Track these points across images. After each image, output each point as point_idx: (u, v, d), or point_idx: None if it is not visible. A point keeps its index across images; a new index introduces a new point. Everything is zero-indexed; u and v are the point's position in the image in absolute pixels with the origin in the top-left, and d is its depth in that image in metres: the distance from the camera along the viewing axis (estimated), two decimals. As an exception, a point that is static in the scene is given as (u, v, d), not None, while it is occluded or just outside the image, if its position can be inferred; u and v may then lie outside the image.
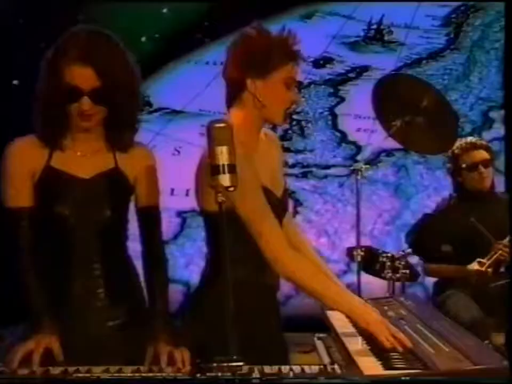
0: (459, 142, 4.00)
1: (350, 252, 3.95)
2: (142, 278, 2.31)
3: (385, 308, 2.61)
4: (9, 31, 5.08)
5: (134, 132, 2.27)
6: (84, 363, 1.96)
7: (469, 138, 4.10)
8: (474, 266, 3.73)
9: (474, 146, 3.98)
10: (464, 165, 3.95)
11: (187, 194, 5.15)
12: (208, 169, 1.86)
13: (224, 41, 5.42)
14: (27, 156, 2.18)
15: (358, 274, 3.70)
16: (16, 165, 2.18)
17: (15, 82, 5.21)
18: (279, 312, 2.49)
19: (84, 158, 2.22)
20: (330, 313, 2.54)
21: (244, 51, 2.33)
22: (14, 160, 2.19)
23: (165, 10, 5.34)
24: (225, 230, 1.80)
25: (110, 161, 2.24)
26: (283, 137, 5.44)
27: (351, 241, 4.26)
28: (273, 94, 2.33)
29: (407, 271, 3.76)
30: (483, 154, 3.96)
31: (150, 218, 2.29)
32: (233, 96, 2.39)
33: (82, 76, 2.11)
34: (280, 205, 2.43)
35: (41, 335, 2.07)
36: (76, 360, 2.03)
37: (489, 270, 3.71)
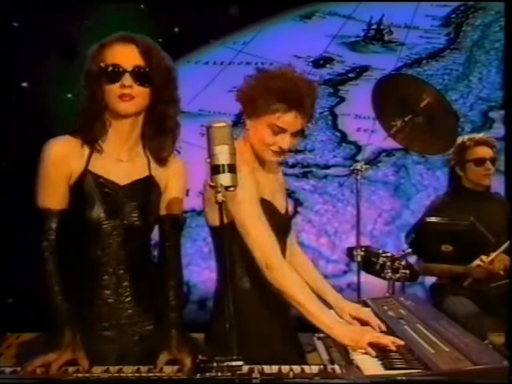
0: (470, 136, 4.02)
1: (350, 251, 3.95)
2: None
3: (385, 307, 2.61)
4: (17, 33, 5.09)
5: (174, 140, 2.28)
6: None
7: (481, 134, 4.12)
8: (475, 262, 3.73)
9: (485, 143, 3.99)
10: (472, 158, 3.95)
11: (187, 194, 5.13)
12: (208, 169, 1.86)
13: (225, 41, 5.46)
14: (66, 158, 2.16)
15: (358, 274, 3.69)
16: (54, 167, 2.15)
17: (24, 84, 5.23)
18: (290, 315, 2.51)
19: (120, 163, 2.21)
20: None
21: (243, 89, 2.42)
22: (53, 162, 2.15)
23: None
24: (225, 230, 1.80)
25: (145, 168, 2.24)
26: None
27: (351, 241, 4.26)
28: (256, 135, 2.41)
29: (407, 271, 3.75)
30: (492, 152, 3.98)
31: (172, 226, 2.30)
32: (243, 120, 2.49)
33: (125, 53, 2.13)
34: (283, 220, 2.49)
35: (63, 348, 2.05)
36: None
37: (491, 266, 3.71)
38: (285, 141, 2.38)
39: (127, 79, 2.11)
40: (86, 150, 2.18)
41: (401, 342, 2.11)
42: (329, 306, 2.52)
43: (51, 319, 2.13)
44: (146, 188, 2.24)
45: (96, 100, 2.15)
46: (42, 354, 2.02)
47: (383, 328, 2.33)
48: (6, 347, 4.65)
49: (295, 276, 2.29)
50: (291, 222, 2.64)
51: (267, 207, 2.38)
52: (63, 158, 2.16)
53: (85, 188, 2.17)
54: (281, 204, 2.52)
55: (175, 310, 2.22)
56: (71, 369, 1.99)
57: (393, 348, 2.08)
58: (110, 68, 2.12)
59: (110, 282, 2.19)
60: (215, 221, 2.38)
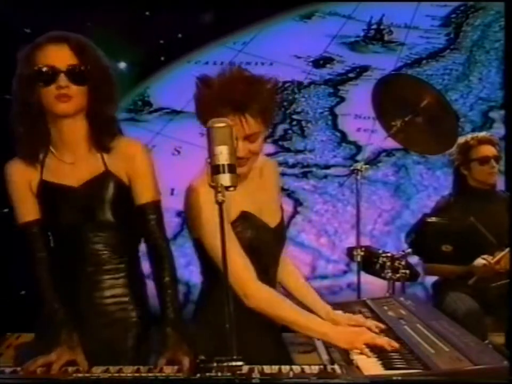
0: (473, 135, 4.02)
1: (350, 251, 3.95)
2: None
3: (385, 307, 2.61)
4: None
5: (113, 129, 2.22)
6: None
7: (483, 133, 4.12)
8: (480, 261, 3.73)
9: (489, 141, 4.00)
10: (476, 157, 3.95)
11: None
12: (208, 170, 1.85)
13: (225, 41, 5.45)
14: (21, 174, 2.19)
15: (358, 274, 3.69)
16: (14, 185, 2.20)
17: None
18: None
19: (71, 166, 2.20)
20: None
21: (198, 95, 2.29)
22: (12, 180, 2.20)
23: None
24: (224, 230, 1.80)
25: (99, 164, 2.20)
26: (283, 137, 5.44)
27: (351, 241, 4.26)
28: None
29: (407, 271, 3.75)
30: (496, 151, 3.98)
31: (148, 216, 2.22)
32: None
33: (58, 54, 2.10)
34: (271, 234, 2.38)
35: (62, 348, 2.06)
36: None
37: (497, 266, 3.71)
38: (237, 147, 2.06)
39: (62, 80, 2.09)
40: (37, 162, 2.19)
41: (396, 344, 2.10)
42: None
43: (47, 320, 2.14)
44: (105, 184, 2.19)
45: (31, 105, 2.12)
46: (42, 355, 2.03)
47: (382, 326, 2.32)
48: (6, 347, 4.65)
49: (275, 297, 2.24)
50: (285, 235, 2.51)
51: (248, 218, 2.29)
52: (17, 174, 2.19)
53: (45, 197, 2.18)
54: (271, 217, 2.40)
55: (170, 307, 2.18)
56: (71, 369, 2.00)
57: (389, 349, 2.08)
58: (44, 70, 2.09)
59: (95, 282, 2.20)
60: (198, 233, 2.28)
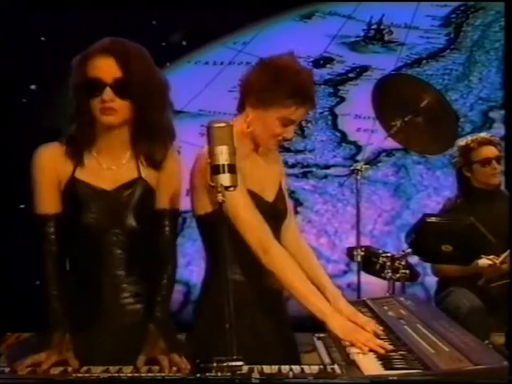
0: (473, 136, 4.02)
1: (350, 251, 3.95)
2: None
3: (385, 307, 2.61)
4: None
5: (164, 146, 2.23)
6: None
7: (483, 134, 4.12)
8: (485, 262, 3.73)
9: (489, 142, 3.99)
10: (477, 159, 3.95)
11: (187, 194, 5.14)
12: (208, 170, 1.86)
13: (225, 41, 5.45)
14: (53, 165, 2.18)
15: (358, 274, 3.69)
16: (42, 174, 2.19)
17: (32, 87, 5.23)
18: (287, 312, 2.50)
19: (107, 171, 2.21)
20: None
21: (256, 77, 2.37)
22: (41, 169, 2.19)
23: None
24: (224, 230, 1.80)
25: (133, 171, 2.22)
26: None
27: (351, 241, 4.26)
28: (264, 126, 2.38)
29: (407, 271, 3.75)
30: (497, 151, 3.98)
31: (164, 221, 2.25)
32: (238, 106, 2.45)
33: (104, 66, 2.11)
34: (271, 209, 2.43)
35: (53, 349, 2.06)
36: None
37: (503, 266, 3.71)
38: (291, 131, 2.41)
39: (107, 94, 2.10)
40: (73, 158, 2.19)
41: (389, 347, 2.10)
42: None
43: (44, 319, 2.14)
44: (136, 190, 2.21)
45: (83, 111, 2.15)
46: (32, 354, 2.03)
47: (379, 332, 2.31)
48: (6, 347, 4.65)
49: (291, 261, 2.29)
50: (284, 210, 2.55)
51: (251, 197, 2.34)
52: (49, 164, 2.19)
53: (74, 194, 2.18)
54: (270, 193, 2.48)
55: (159, 306, 2.19)
56: (71, 369, 2.00)
57: (382, 352, 2.08)
58: (91, 82, 2.11)
59: (109, 285, 2.19)
60: (203, 208, 2.34)
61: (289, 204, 2.65)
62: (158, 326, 2.15)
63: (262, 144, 2.43)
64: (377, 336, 2.24)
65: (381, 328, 2.33)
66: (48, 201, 2.19)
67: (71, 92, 2.17)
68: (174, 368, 2.00)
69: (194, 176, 2.36)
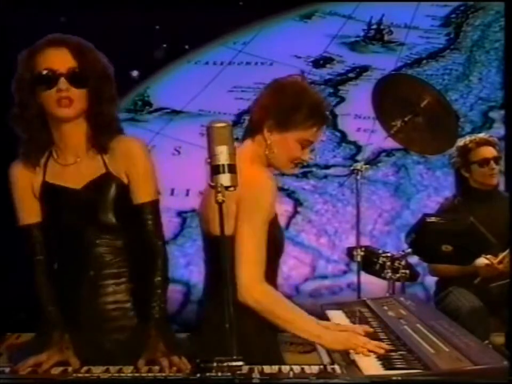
0: (471, 137, 4.02)
1: (350, 251, 3.95)
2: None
3: (385, 307, 2.61)
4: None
5: (112, 129, 2.21)
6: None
7: (481, 134, 4.12)
8: (483, 261, 3.73)
9: (487, 142, 3.99)
10: (475, 160, 3.95)
11: (187, 194, 5.14)
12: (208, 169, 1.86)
13: (225, 41, 5.45)
14: (24, 176, 2.20)
15: (358, 274, 3.69)
16: (16, 187, 2.21)
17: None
18: None
19: (73, 167, 2.19)
20: (330, 313, 2.54)
21: (273, 100, 2.35)
22: (14, 182, 2.22)
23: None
24: (224, 230, 1.80)
25: (100, 165, 2.20)
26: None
27: (351, 241, 4.26)
28: (284, 149, 2.35)
29: (407, 271, 3.75)
30: (495, 151, 3.98)
31: (145, 215, 2.20)
32: (250, 131, 2.41)
33: (57, 57, 2.10)
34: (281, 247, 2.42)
35: (53, 349, 2.07)
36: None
37: (500, 265, 3.71)
38: (308, 153, 2.39)
39: (63, 83, 2.08)
40: (42, 162, 2.19)
41: (387, 347, 2.11)
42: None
43: (41, 321, 2.16)
44: (105, 185, 2.19)
45: (32, 108, 2.12)
46: (33, 355, 2.04)
47: (370, 330, 2.31)
48: (6, 347, 4.65)
49: (276, 296, 2.25)
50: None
51: (275, 222, 2.32)
52: (21, 177, 2.20)
53: (47, 199, 2.19)
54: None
55: (156, 306, 2.16)
56: (71, 369, 2.00)
57: (380, 352, 2.08)
58: (44, 73, 2.09)
59: (94, 284, 2.19)
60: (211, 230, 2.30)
61: None
62: (158, 328, 2.13)
63: (280, 168, 2.40)
64: (371, 336, 2.24)
65: (372, 327, 2.33)
66: (27, 212, 2.21)
67: (16, 89, 2.14)
68: (174, 368, 2.00)
69: (206, 199, 2.32)
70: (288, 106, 2.32)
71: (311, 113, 2.32)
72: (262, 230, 2.22)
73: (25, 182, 2.20)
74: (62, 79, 2.08)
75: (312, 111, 2.32)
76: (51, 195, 2.19)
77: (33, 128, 2.15)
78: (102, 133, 2.18)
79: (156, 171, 2.26)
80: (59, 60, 2.10)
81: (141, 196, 2.20)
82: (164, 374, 1.94)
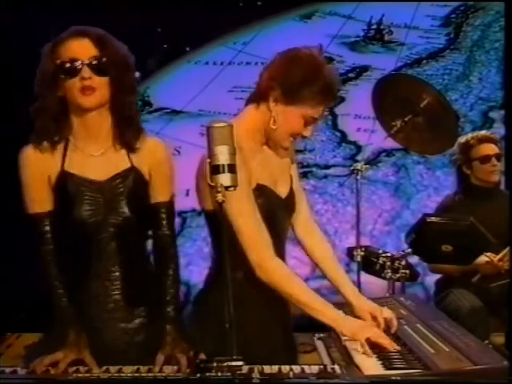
0: (473, 134, 4.02)
1: (350, 251, 3.95)
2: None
3: (385, 307, 2.61)
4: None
5: (138, 126, 2.23)
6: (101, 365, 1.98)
7: (483, 131, 4.13)
8: (483, 258, 3.73)
9: (489, 139, 3.99)
10: (477, 156, 3.95)
11: (187, 194, 5.11)
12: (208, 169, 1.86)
13: (225, 41, 5.46)
14: (41, 162, 2.17)
15: (358, 274, 3.69)
16: (31, 173, 2.17)
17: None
18: (289, 311, 2.49)
19: (96, 159, 2.19)
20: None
21: (285, 70, 2.28)
22: (28, 169, 2.17)
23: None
24: (224, 230, 1.80)
25: (125, 160, 2.21)
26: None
27: (351, 241, 4.26)
28: (287, 122, 2.30)
29: (407, 271, 3.75)
30: (496, 148, 3.98)
31: (163, 214, 2.24)
32: (256, 97, 2.35)
33: (80, 47, 2.12)
34: (283, 204, 2.41)
35: (69, 348, 2.05)
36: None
37: (500, 263, 3.71)
38: (311, 130, 2.32)
39: (85, 72, 2.10)
40: (59, 151, 2.18)
41: (398, 347, 2.10)
42: (345, 299, 2.48)
43: (56, 319, 2.13)
44: (129, 180, 2.20)
45: (55, 98, 2.14)
46: (49, 354, 2.03)
47: (395, 326, 2.30)
48: (6, 347, 4.65)
49: (289, 273, 2.24)
50: (294, 202, 2.48)
51: (263, 192, 2.30)
52: (35, 162, 2.17)
53: (65, 189, 2.17)
54: (283, 188, 2.42)
55: (171, 304, 2.18)
56: (71, 369, 2.00)
57: (391, 349, 2.08)
58: (67, 63, 2.11)
59: (102, 278, 2.19)
60: (211, 204, 2.28)
61: (302, 191, 2.58)
62: (174, 325, 2.15)
63: (277, 141, 2.34)
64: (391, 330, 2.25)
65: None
66: (39, 200, 2.17)
67: (40, 82, 2.16)
68: (175, 368, 2.00)
69: (199, 178, 2.32)
70: (300, 79, 2.25)
71: (322, 91, 2.25)
72: (249, 206, 2.21)
73: (39, 169, 2.16)
74: (85, 68, 2.10)
75: (324, 89, 2.25)
76: (69, 185, 2.16)
77: (54, 117, 2.16)
78: (128, 128, 2.20)
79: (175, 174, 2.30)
80: (81, 49, 2.12)
81: (160, 195, 2.24)
82: (164, 374, 1.94)
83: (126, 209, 2.19)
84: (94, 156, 2.20)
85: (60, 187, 2.17)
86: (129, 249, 2.21)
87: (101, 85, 2.13)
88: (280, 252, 2.33)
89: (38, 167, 2.17)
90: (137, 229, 2.23)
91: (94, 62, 2.11)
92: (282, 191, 2.42)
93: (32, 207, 2.18)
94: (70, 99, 2.14)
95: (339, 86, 2.33)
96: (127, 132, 2.20)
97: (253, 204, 2.24)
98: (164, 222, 2.23)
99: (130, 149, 2.21)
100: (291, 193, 2.47)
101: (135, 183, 2.21)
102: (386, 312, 2.35)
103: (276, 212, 2.36)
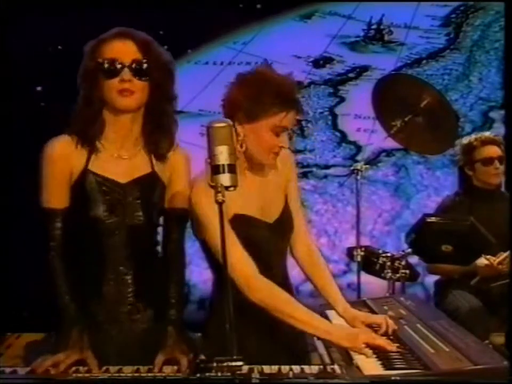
0: (476, 135, 4.02)
1: (350, 251, 3.95)
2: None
3: (385, 307, 2.61)
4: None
5: (172, 138, 2.25)
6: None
7: (487, 133, 4.12)
8: (483, 261, 3.73)
9: (492, 141, 3.99)
10: (479, 158, 3.95)
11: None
12: (208, 170, 1.86)
13: (225, 41, 5.45)
14: (66, 158, 2.17)
15: (358, 274, 3.69)
16: (54, 167, 2.17)
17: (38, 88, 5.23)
18: None
19: (121, 161, 2.20)
20: (330, 313, 2.54)
21: (238, 93, 2.32)
22: (53, 162, 2.17)
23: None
24: (224, 229, 1.80)
25: (147, 164, 2.23)
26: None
27: (351, 241, 4.26)
28: (258, 140, 2.31)
29: (407, 271, 3.75)
30: (499, 151, 3.97)
31: (175, 220, 2.27)
32: None
33: (123, 49, 2.13)
34: (274, 230, 2.39)
35: (71, 348, 2.05)
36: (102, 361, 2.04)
37: (500, 266, 3.71)
38: (285, 140, 2.33)
39: (126, 74, 2.11)
40: (85, 149, 2.18)
41: (395, 348, 2.10)
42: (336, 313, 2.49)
43: (59, 319, 2.13)
44: (150, 185, 2.22)
45: (94, 97, 2.15)
46: (51, 354, 2.03)
47: (395, 329, 2.30)
48: (6, 347, 4.65)
49: (277, 291, 2.23)
50: (288, 224, 2.49)
51: (242, 221, 2.29)
52: (62, 157, 2.16)
53: (86, 187, 2.17)
54: (273, 212, 2.41)
55: (175, 307, 2.20)
56: (70, 369, 2.00)
57: (389, 349, 2.08)
58: (108, 63, 2.12)
59: (113, 280, 2.19)
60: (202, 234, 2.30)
61: (300, 210, 2.59)
62: (175, 327, 2.16)
63: (260, 160, 2.35)
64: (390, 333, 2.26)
65: (371, 327, 2.32)
66: (57, 196, 2.17)
67: (81, 79, 2.17)
68: (174, 368, 2.00)
69: (192, 206, 2.28)
70: (253, 95, 2.28)
71: (276, 98, 2.27)
72: (229, 237, 2.10)
73: (65, 164, 2.17)
74: (126, 70, 2.11)
75: (276, 96, 2.27)
76: (90, 183, 2.17)
77: (92, 117, 2.16)
78: (161, 136, 2.22)
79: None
80: (124, 51, 2.13)
81: (175, 201, 2.26)
82: (164, 374, 1.95)
83: (143, 213, 2.20)
84: (119, 158, 2.21)
85: (80, 185, 2.17)
86: (142, 251, 2.22)
87: (140, 89, 2.14)
88: (272, 276, 2.29)
89: (62, 163, 2.17)
90: (151, 233, 2.25)
91: (136, 65, 2.12)
92: (271, 215, 2.40)
93: (48, 201, 2.18)
94: (107, 99, 2.14)
95: (293, 89, 2.33)
96: (160, 140, 2.22)
97: (231, 233, 2.19)
98: (175, 228, 2.26)
99: (160, 157, 2.22)
100: (283, 215, 2.45)
101: (153, 188, 2.23)
102: (378, 318, 2.38)
103: (260, 239, 2.34)
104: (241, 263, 2.19)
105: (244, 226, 2.29)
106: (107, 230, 2.17)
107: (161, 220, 2.29)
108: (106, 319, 2.19)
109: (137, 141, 2.22)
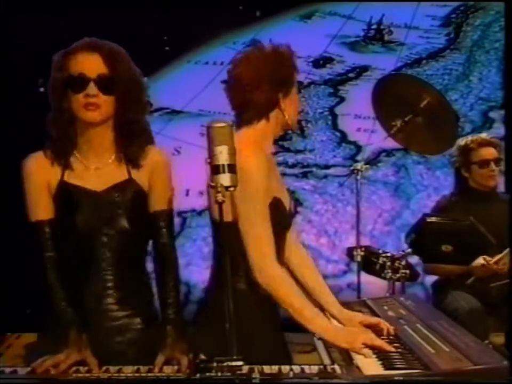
0: (473, 137, 4.02)
1: (350, 251, 3.95)
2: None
3: (385, 307, 2.61)
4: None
5: (143, 141, 2.24)
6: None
7: (483, 135, 4.12)
8: (479, 261, 3.73)
9: (489, 143, 3.99)
10: (476, 160, 3.95)
11: (187, 194, 5.14)
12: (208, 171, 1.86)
13: (225, 41, 5.45)
14: (41, 171, 2.19)
15: (358, 274, 3.69)
16: (32, 181, 2.20)
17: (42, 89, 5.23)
18: (279, 312, 2.49)
19: (97, 171, 2.21)
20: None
21: (273, 71, 2.37)
22: (29, 177, 2.20)
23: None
24: (224, 231, 1.80)
25: (123, 172, 2.22)
26: (283, 137, 5.44)
27: (351, 241, 4.26)
28: (293, 105, 2.43)
29: (407, 271, 3.75)
30: (496, 152, 3.97)
31: (163, 222, 2.25)
32: (261, 115, 2.37)
33: (89, 62, 2.11)
34: (289, 217, 2.42)
35: (70, 349, 2.06)
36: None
37: (495, 266, 3.71)
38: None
39: (91, 89, 2.10)
40: (60, 163, 2.19)
41: (392, 348, 2.10)
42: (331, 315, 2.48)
43: (56, 321, 2.14)
44: (127, 191, 2.21)
45: (63, 109, 2.15)
46: (50, 355, 2.03)
47: (392, 332, 2.30)
48: (6, 347, 4.66)
49: (287, 280, 2.25)
50: (293, 217, 2.52)
51: (278, 205, 2.31)
52: (37, 172, 2.19)
53: (63, 198, 2.18)
54: (287, 199, 2.43)
55: (172, 307, 2.20)
56: (71, 369, 2.00)
57: (388, 349, 2.08)
58: (74, 77, 2.11)
59: (95, 287, 2.20)
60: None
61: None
62: (174, 327, 2.16)
63: (292, 126, 2.49)
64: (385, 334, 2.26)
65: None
66: (40, 208, 2.19)
67: (50, 90, 2.17)
68: (175, 368, 2.00)
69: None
70: (288, 68, 2.43)
71: (294, 63, 2.47)
72: (265, 212, 2.22)
73: (41, 177, 2.19)
74: (91, 84, 2.10)
75: (294, 61, 2.48)
76: (68, 194, 2.18)
77: (62, 128, 2.17)
78: (131, 145, 2.20)
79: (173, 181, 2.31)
80: (90, 64, 2.11)
81: (158, 204, 2.25)
82: (164, 374, 1.94)
83: (123, 220, 2.20)
84: (94, 168, 2.21)
85: (59, 196, 2.19)
86: (125, 259, 2.22)
87: (106, 102, 2.13)
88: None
89: (40, 175, 2.19)
90: (136, 239, 2.24)
91: (102, 79, 2.11)
92: (287, 204, 2.42)
93: (34, 214, 2.21)
94: (75, 112, 2.14)
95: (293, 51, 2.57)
96: (130, 148, 2.21)
97: (268, 210, 2.24)
98: (164, 231, 2.25)
99: (134, 165, 2.22)
100: (291, 206, 2.47)
101: (133, 194, 2.22)
102: (374, 319, 2.39)
103: (284, 225, 2.37)
104: (265, 239, 2.21)
105: (278, 210, 2.30)
106: (88, 238, 2.18)
107: (145, 225, 2.26)
108: (93, 324, 2.19)
109: (110, 149, 2.21)
